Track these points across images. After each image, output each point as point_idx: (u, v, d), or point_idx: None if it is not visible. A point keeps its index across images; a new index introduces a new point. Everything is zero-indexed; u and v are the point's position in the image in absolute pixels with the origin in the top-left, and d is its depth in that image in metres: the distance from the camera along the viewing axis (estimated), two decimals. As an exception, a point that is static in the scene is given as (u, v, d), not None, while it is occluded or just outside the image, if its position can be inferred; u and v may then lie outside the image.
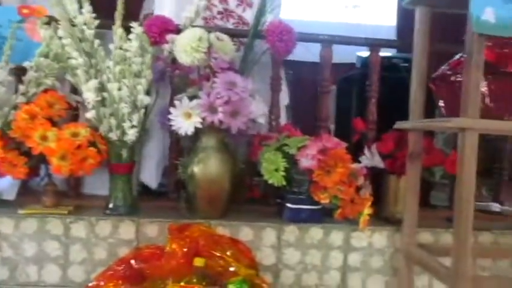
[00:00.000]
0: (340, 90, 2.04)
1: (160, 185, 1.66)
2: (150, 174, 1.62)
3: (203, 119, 1.33)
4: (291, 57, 1.51)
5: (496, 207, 1.66)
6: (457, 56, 1.21)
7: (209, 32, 1.42)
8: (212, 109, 1.32)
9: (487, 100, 1.10)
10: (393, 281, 1.47)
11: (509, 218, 1.62)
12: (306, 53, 1.69)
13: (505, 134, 1.42)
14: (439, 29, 1.49)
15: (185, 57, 1.29)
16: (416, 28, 1.34)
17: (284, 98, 1.71)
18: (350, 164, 1.40)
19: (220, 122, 1.33)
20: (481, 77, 1.04)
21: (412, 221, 1.39)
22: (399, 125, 1.36)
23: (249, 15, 1.69)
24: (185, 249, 1.16)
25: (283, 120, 1.67)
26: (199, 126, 1.33)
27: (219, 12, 1.70)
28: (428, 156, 1.44)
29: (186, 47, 1.28)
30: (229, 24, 1.70)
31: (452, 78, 1.17)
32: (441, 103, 1.23)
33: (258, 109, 1.41)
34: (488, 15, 1.03)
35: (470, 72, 1.05)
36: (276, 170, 1.39)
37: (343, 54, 1.85)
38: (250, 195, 1.62)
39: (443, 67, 1.24)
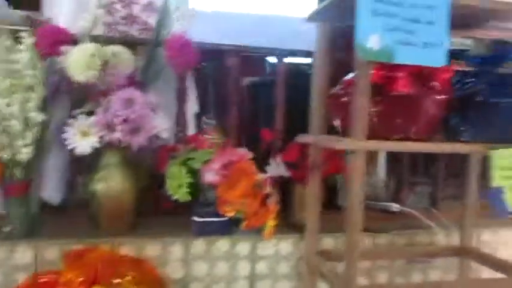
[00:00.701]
0: (252, 94, 2.04)
1: (64, 200, 1.59)
2: (51, 191, 1.54)
3: (101, 137, 1.28)
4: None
5: (395, 207, 1.78)
6: (350, 76, 1.26)
7: (109, 41, 1.36)
8: (110, 127, 1.27)
9: (376, 120, 1.15)
10: (300, 286, 1.53)
11: (407, 218, 1.74)
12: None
13: (393, 151, 1.51)
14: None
15: (78, 75, 1.23)
16: (317, 44, 1.37)
17: (192, 106, 1.69)
18: (255, 176, 1.42)
19: (119, 140, 1.29)
20: (367, 101, 1.09)
21: (313, 229, 1.44)
22: (300, 138, 1.40)
23: (154, 20, 1.63)
24: (82, 278, 1.12)
25: (192, 130, 1.65)
26: (97, 145, 1.28)
27: (123, 18, 1.63)
28: (328, 165, 1.50)
29: (78, 65, 1.22)
30: (134, 30, 1.64)
31: (344, 98, 1.22)
32: (336, 121, 1.28)
33: (161, 124, 1.38)
34: (373, 42, 1.07)
35: (357, 97, 1.09)
36: (181, 185, 1.39)
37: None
38: (161, 207, 1.60)
39: (337, 86, 1.29)
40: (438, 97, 1.18)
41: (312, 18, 1.34)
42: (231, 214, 1.40)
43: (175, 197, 1.39)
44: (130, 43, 1.50)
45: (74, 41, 1.39)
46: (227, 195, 1.37)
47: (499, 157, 1.18)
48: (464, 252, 1.54)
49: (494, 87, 1.26)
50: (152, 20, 1.64)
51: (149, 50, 1.42)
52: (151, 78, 1.41)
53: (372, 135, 1.16)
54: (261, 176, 1.46)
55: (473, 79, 1.29)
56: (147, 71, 1.41)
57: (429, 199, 1.88)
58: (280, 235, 1.52)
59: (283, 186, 1.60)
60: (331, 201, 1.77)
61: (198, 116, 1.72)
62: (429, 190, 1.89)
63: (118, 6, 1.63)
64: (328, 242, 1.56)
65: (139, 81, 1.38)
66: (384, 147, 1.14)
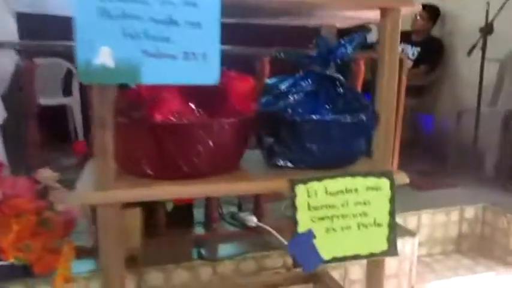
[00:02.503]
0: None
1: None
2: None
3: None
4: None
5: (252, 221, 1.53)
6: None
7: None
8: None
9: (138, 156, 0.86)
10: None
11: (262, 234, 1.50)
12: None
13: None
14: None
15: None
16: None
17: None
18: (39, 212, 1.14)
19: None
20: (110, 138, 0.80)
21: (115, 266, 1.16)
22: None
23: None
24: None
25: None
26: None
27: None
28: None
29: None
30: None
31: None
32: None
33: None
34: (104, 57, 0.76)
35: (97, 133, 0.80)
36: None
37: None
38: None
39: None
40: (230, 121, 0.90)
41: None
42: (9, 261, 1.13)
43: None
44: None
45: None
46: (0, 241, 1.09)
47: (307, 193, 0.92)
48: (315, 280, 1.32)
49: (309, 99, 0.98)
50: None
51: None
52: None
53: (140, 174, 0.88)
54: (55, 208, 1.18)
55: (287, 89, 1.01)
56: None
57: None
58: (93, 272, 1.27)
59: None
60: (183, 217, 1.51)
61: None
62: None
63: None
64: (155, 277, 1.32)
65: None
66: (136, 196, 0.85)
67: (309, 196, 0.92)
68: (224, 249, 1.44)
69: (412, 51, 3.28)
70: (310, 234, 0.92)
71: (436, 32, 3.34)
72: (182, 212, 1.54)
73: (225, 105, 0.93)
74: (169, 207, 1.36)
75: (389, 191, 0.97)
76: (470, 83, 2.85)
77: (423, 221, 1.87)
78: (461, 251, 1.95)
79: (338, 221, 0.94)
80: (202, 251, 1.41)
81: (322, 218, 0.93)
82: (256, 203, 1.57)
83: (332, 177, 0.93)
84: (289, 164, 1.00)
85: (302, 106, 0.97)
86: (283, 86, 1.03)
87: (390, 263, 1.57)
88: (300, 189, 0.91)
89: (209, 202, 1.52)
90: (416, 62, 3.27)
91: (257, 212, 1.56)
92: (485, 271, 1.77)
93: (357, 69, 1.59)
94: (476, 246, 1.97)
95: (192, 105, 0.88)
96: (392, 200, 0.97)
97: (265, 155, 1.03)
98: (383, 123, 0.97)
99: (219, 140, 0.89)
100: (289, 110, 0.96)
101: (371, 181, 0.96)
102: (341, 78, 1.04)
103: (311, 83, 1.01)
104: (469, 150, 2.78)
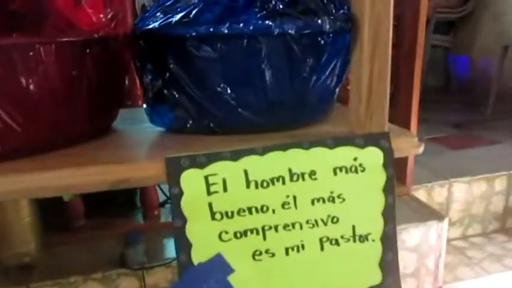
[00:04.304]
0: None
1: None
2: None
3: None
4: None
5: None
6: None
7: None
8: None
9: None
10: None
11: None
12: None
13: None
14: None
15: None
16: None
17: None
18: None
19: None
20: None
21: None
22: None
23: None
24: None
25: None
26: None
27: None
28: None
29: None
30: None
31: None
32: None
33: None
34: None
35: None
36: None
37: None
38: None
39: None
40: (49, 41, 0.43)
41: None
42: None
43: None
44: None
45: None
46: None
47: (206, 187, 0.45)
48: None
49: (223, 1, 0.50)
50: None
51: None
52: None
53: None
54: None
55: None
56: None
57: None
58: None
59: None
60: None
61: None
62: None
63: None
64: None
65: None
66: None
67: (210, 192, 0.45)
68: (161, 250, 1.01)
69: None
70: (219, 267, 0.47)
71: None
72: (115, 196, 1.12)
73: (48, 19, 0.46)
74: (67, 197, 0.93)
75: (383, 172, 0.50)
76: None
77: (456, 192, 1.38)
78: (509, 231, 1.46)
79: (277, 236, 0.48)
80: (127, 253, 0.98)
81: (242, 234, 0.47)
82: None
83: (262, 151, 0.46)
84: (190, 126, 0.53)
85: (205, 13, 0.49)
86: None
87: (407, 258, 1.11)
88: (190, 178, 0.45)
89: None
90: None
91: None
92: (544, 261, 1.29)
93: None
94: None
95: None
96: (389, 188, 0.50)
97: (147, 111, 0.56)
98: (368, 38, 0.48)
99: (31, 80, 0.43)
100: (173, 19, 0.48)
101: (345, 155, 0.48)
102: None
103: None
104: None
